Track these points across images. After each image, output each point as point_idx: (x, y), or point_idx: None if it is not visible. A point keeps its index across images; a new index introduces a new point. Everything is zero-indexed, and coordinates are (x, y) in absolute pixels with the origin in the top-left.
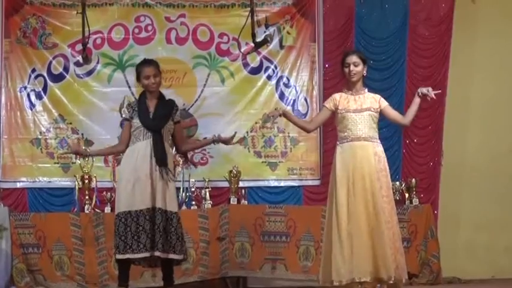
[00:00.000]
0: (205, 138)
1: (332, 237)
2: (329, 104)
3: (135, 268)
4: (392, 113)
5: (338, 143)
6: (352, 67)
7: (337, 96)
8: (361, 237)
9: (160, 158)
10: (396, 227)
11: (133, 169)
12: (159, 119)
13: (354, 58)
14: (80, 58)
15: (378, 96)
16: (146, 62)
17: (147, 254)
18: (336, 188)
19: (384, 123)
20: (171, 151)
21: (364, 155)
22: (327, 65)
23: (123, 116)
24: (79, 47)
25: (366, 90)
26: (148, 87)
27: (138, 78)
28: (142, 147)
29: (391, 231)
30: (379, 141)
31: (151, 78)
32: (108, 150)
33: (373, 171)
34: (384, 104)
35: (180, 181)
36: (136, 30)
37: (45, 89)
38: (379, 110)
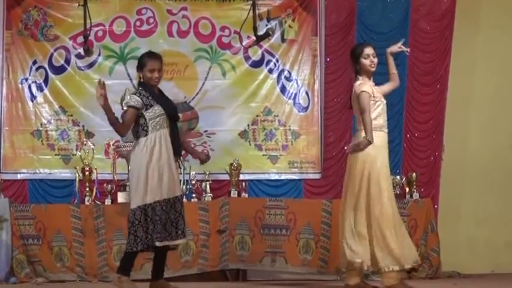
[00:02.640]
0: (201, 151)
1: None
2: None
3: (136, 260)
4: (386, 88)
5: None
6: (372, 58)
7: (367, 87)
8: None
9: (177, 146)
10: None
11: (158, 157)
12: (175, 107)
13: (372, 50)
14: (81, 50)
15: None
16: (152, 55)
17: (180, 241)
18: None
19: None
20: None
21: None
22: (328, 59)
23: (133, 103)
24: (80, 39)
25: None
26: (151, 80)
27: (141, 69)
28: (165, 135)
29: None
30: None
31: (155, 72)
32: (116, 119)
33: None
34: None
35: (180, 173)
36: (138, 23)
37: (46, 80)
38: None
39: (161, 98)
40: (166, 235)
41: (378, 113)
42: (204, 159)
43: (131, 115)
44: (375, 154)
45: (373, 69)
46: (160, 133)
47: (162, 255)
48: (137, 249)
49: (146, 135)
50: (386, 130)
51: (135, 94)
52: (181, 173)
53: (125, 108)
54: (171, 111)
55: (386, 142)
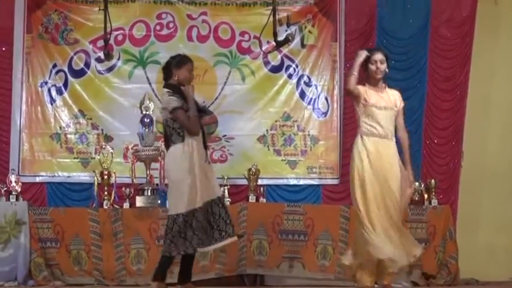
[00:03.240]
0: None
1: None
2: (359, 89)
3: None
4: (400, 117)
5: (361, 133)
6: (379, 64)
7: (361, 89)
8: None
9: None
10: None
11: (197, 163)
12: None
13: (380, 56)
14: (101, 54)
15: (397, 93)
16: (190, 59)
17: (225, 242)
18: (365, 180)
19: None
20: None
21: (389, 154)
22: (348, 65)
23: (178, 104)
24: (100, 43)
25: (386, 86)
26: (186, 80)
27: (179, 67)
28: (198, 140)
29: None
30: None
31: (192, 73)
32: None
33: (396, 171)
34: (402, 104)
35: None
36: (158, 27)
37: (65, 84)
38: (398, 108)
39: (194, 104)
40: (210, 239)
41: (372, 120)
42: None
43: (184, 115)
44: (362, 159)
45: (379, 76)
46: (195, 138)
47: (190, 259)
48: (175, 254)
49: (183, 140)
50: (382, 137)
51: (171, 96)
52: None
53: (170, 113)
54: (202, 114)
55: (380, 149)
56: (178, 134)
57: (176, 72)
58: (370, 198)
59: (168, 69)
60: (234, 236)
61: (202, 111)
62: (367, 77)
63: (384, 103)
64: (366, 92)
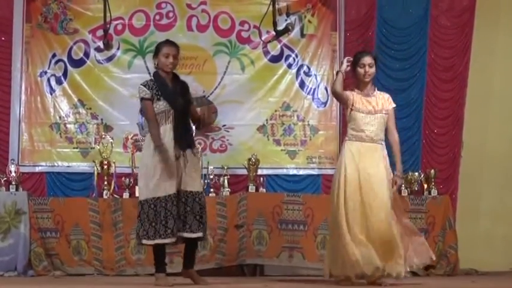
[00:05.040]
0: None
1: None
2: (346, 94)
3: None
4: (390, 121)
5: (347, 139)
6: (367, 68)
7: (349, 93)
8: None
9: (185, 140)
10: None
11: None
12: (187, 101)
13: (369, 59)
14: (100, 44)
15: (387, 96)
16: (169, 41)
17: (173, 239)
18: (346, 183)
19: (404, 113)
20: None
21: (375, 157)
22: (347, 54)
23: (144, 95)
24: (100, 32)
25: (376, 89)
26: (165, 66)
27: (156, 55)
28: (168, 131)
29: None
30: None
31: (170, 57)
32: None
33: (382, 176)
34: (392, 106)
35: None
36: (157, 17)
37: (65, 74)
38: (388, 111)
39: (170, 92)
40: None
41: (357, 125)
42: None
43: (150, 107)
44: (345, 161)
45: (367, 79)
46: (164, 129)
47: (191, 245)
48: (142, 242)
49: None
50: (367, 141)
51: (144, 86)
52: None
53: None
54: (177, 107)
55: (365, 152)
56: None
57: (155, 61)
58: (348, 208)
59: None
60: (197, 232)
61: (189, 102)
62: (356, 80)
63: (371, 107)
64: (354, 96)
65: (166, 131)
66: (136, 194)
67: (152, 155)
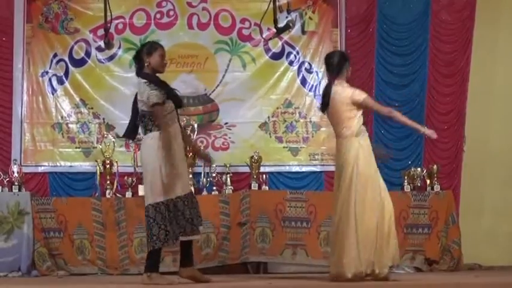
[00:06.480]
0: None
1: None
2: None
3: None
4: (370, 108)
5: (363, 134)
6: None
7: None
8: None
9: (188, 138)
10: None
11: (175, 153)
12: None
13: None
14: (101, 43)
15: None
16: (161, 45)
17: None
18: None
19: (406, 109)
20: None
21: (345, 153)
22: (348, 51)
23: (158, 100)
24: (101, 32)
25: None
26: (160, 66)
27: (150, 54)
28: (178, 130)
29: None
30: None
31: (164, 58)
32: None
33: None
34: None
35: (200, 166)
36: (158, 16)
37: (66, 73)
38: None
39: (170, 91)
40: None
41: (363, 120)
42: (209, 161)
43: (162, 112)
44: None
45: None
46: (174, 128)
47: (188, 243)
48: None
49: (159, 129)
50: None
51: (155, 90)
52: (200, 166)
53: (150, 107)
54: (183, 105)
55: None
56: (154, 124)
57: (148, 60)
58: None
59: (139, 59)
60: (193, 235)
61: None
62: (346, 76)
63: None
64: None
65: (177, 131)
66: (140, 193)
67: (157, 156)
